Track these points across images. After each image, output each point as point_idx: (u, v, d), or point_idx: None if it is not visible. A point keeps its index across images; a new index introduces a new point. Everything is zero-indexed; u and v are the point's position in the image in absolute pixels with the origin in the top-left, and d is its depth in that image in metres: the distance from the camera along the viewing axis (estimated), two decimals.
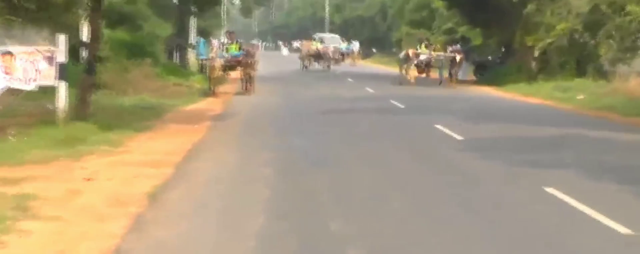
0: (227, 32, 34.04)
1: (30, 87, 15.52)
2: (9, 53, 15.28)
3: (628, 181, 10.57)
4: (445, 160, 13.13)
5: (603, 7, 30.37)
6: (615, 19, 29.57)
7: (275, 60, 60.39)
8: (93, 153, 12.96)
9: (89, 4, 17.74)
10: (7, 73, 15.19)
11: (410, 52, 35.19)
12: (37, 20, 20.00)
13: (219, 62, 27.35)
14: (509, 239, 7.72)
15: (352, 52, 62.02)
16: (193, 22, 42.45)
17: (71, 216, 8.58)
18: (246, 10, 69.64)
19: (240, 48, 28.79)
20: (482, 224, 8.35)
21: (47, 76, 15.49)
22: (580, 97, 26.43)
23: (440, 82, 33.90)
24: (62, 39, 15.50)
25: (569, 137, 15.84)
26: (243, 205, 9.34)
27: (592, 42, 31.42)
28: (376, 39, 74.26)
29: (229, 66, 28.40)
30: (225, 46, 28.95)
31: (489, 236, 7.82)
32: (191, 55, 37.52)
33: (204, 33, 45.10)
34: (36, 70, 15.42)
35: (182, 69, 35.06)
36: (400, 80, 34.07)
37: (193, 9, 38.64)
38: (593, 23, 30.94)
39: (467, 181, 10.95)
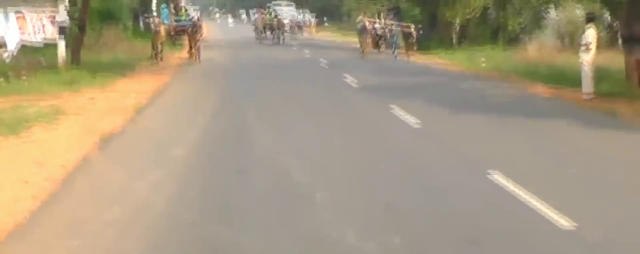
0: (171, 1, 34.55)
1: (38, 40, 21.06)
2: (21, 15, 20.78)
3: (444, 105, 16.46)
4: (339, 96, 18.94)
5: None
6: None
7: (225, 29, 65.23)
8: (90, 88, 18.54)
9: None
10: (21, 30, 20.71)
11: (367, 22, 35.90)
12: None
13: (163, 29, 28.45)
14: (353, 128, 13.56)
15: (310, 23, 64.09)
16: None
17: (88, 114, 14.28)
18: None
19: (187, 16, 30.91)
20: (341, 120, 14.20)
21: (50, 33, 21.02)
22: (483, 62, 32.01)
23: (395, 56, 33.88)
24: (62, 5, 21.06)
25: (438, 85, 21.65)
26: (195, 112, 15.07)
27: (502, 15, 37.26)
28: (328, 10, 79.39)
29: (173, 33, 30.58)
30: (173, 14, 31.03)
31: (342, 125, 13.65)
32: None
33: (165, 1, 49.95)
34: (42, 28, 20.94)
35: (146, 33, 40.02)
36: (362, 52, 34.63)
37: None
38: (502, 0, 36.90)
39: (346, 104, 16.80)
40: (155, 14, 31.71)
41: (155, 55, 27.23)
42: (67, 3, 21.04)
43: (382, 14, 38.46)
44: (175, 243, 6.72)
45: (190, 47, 29.11)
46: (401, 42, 35.69)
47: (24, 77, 19.19)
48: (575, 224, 7.36)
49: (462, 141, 12.32)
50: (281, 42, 46.24)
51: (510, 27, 37.11)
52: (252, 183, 9.02)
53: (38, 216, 7.54)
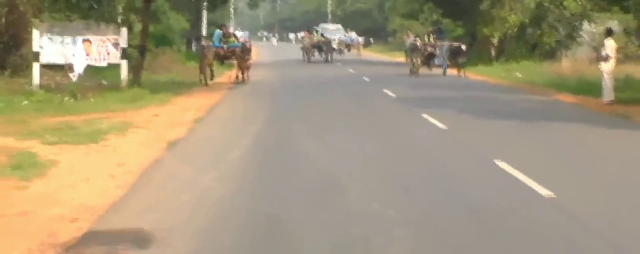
0: (221, 25, 34.62)
1: (103, 64, 23.28)
2: (88, 40, 22.98)
3: (473, 113, 18.30)
4: (378, 106, 20.86)
5: (546, 3, 38.02)
6: (555, 12, 37.27)
7: (270, 49, 67.87)
8: (151, 105, 20.57)
9: (143, 8, 25.59)
10: (87, 54, 22.91)
11: (419, 42, 35.72)
12: (88, 17, 27.83)
13: (211, 52, 28.68)
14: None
15: (357, 43, 64.16)
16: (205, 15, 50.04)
17: (154, 126, 16.30)
18: (253, 4, 76.56)
19: (235, 40, 31.06)
20: (377, 126, 16.09)
21: (114, 56, 23.20)
22: (518, 75, 33.78)
23: (444, 73, 34.27)
24: (124, 31, 23.27)
25: (472, 96, 23.46)
26: (247, 123, 17.04)
27: (538, 31, 39.00)
28: (373, 30, 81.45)
29: (223, 56, 30.16)
30: (220, 38, 30.65)
31: (379, 130, 15.56)
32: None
33: (215, 25, 52.51)
34: (107, 52, 23.13)
35: (198, 56, 42.39)
36: (411, 70, 34.73)
37: (205, 3, 46.03)
38: (538, 16, 38.66)
39: (381, 111, 18.73)
40: (204, 40, 32.55)
41: (205, 78, 27.88)
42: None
43: (431, 34, 38.40)
44: (235, 217, 8.64)
45: (240, 69, 29.93)
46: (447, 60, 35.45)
47: (91, 97, 21.25)
48: (553, 194, 9.23)
49: (477, 138, 14.21)
50: (329, 60, 47.59)
51: (545, 42, 38.81)
52: (296, 177, 10.91)
53: (125, 199, 9.51)
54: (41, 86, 21.98)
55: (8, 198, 9.49)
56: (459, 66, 34.16)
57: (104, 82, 24.19)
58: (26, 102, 19.99)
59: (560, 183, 10.06)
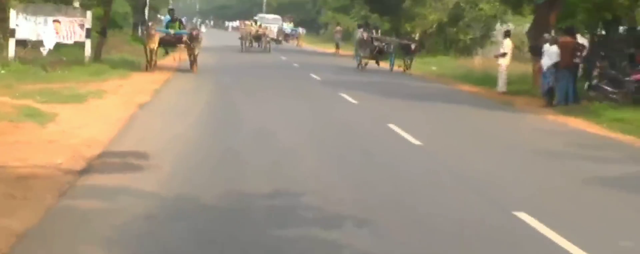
0: (169, 10, 35.10)
1: (70, 41, 27.07)
2: (58, 20, 26.76)
3: (383, 94, 22.58)
4: (305, 86, 25.05)
5: (462, 4, 42.54)
6: (471, 13, 41.83)
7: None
8: (113, 78, 24.37)
9: None
10: (57, 33, 26.69)
11: (365, 35, 35.95)
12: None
13: (156, 37, 28.05)
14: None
15: (299, 34, 65.75)
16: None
17: (122, 93, 20.23)
18: None
19: (180, 27, 30.20)
20: (300, 106, 20.26)
21: (79, 36, 27.00)
22: (433, 68, 38.14)
23: (391, 70, 34.73)
24: (89, 14, 27.11)
25: (386, 83, 27.74)
26: (198, 93, 21.07)
27: (454, 29, 43.55)
28: (306, 21, 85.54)
29: (170, 42, 29.49)
30: (167, 24, 30.56)
31: (302, 112, 19.74)
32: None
33: (155, 10, 56.25)
34: (73, 31, 26.94)
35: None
36: (359, 64, 35.41)
37: None
38: (455, 16, 43.19)
39: (307, 90, 22.91)
40: (150, 23, 32.51)
41: (149, 63, 28.00)
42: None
43: (376, 29, 39.01)
44: (202, 147, 12.76)
45: (189, 58, 29.18)
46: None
47: (58, 69, 24.93)
48: (422, 144, 13.56)
49: (379, 110, 18.54)
50: (267, 50, 48.31)
51: (461, 39, 43.40)
52: (242, 127, 15.12)
53: (120, 136, 13.51)
54: (16, 58, 25.59)
55: (35, 133, 13.42)
56: (406, 64, 34.78)
57: (64, 58, 27.77)
58: (3, 71, 23.56)
59: (430, 138, 14.44)
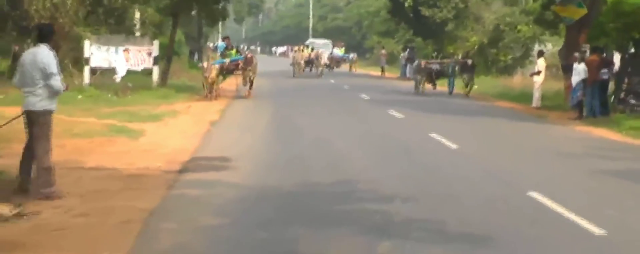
0: (224, 37, 35.22)
1: (139, 69, 29.89)
2: (127, 49, 29.60)
3: (427, 111, 25.05)
4: (354, 105, 27.61)
5: (502, 26, 44.95)
6: (511, 35, 44.22)
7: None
8: (179, 101, 27.05)
9: (163, 23, 32.25)
10: (127, 61, 29.53)
11: (423, 62, 36.02)
12: (112, 29, 34.25)
13: (214, 70, 28.49)
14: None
15: (351, 59, 64.03)
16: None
17: (193, 113, 22.89)
18: (240, 19, 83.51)
19: (237, 53, 30.95)
20: (359, 122, 22.79)
21: (148, 63, 29.82)
22: (475, 86, 40.42)
23: (450, 92, 34.67)
24: (156, 43, 29.91)
25: (430, 100, 30.21)
26: (260, 111, 23.68)
27: (494, 51, 45.93)
28: (352, 46, 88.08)
29: (227, 70, 29.99)
30: (223, 52, 31.37)
31: (354, 125, 22.28)
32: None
33: (204, 37, 59.30)
34: (142, 59, 29.76)
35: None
36: (419, 90, 34.96)
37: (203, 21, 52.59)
38: (495, 37, 45.60)
39: (356, 108, 25.47)
40: (204, 63, 30.64)
41: (209, 93, 28.31)
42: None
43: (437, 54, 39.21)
44: (272, 152, 15.31)
45: (244, 82, 30.08)
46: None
47: (128, 94, 27.70)
48: (459, 147, 16.07)
49: (422, 123, 21.04)
50: (321, 75, 48.32)
51: (502, 60, 45.78)
52: (302, 138, 17.73)
53: (202, 146, 16.11)
54: (91, 85, 28.40)
55: (130, 145, 16.09)
56: (467, 83, 34.64)
57: (130, 84, 30.54)
58: (80, 96, 26.33)
59: (465, 143, 16.94)
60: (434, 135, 18.04)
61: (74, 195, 10.78)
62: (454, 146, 16.49)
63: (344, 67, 63.23)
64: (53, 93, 10.59)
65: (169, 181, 12.07)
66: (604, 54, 26.45)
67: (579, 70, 24.96)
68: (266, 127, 20.14)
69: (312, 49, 52.36)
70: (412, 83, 38.68)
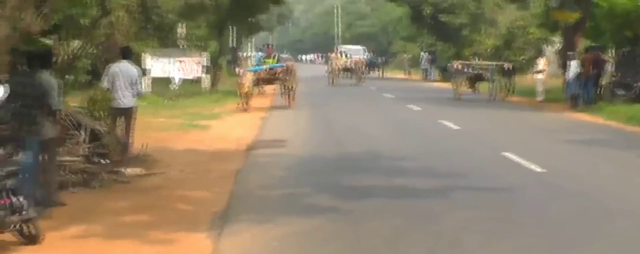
0: (265, 44, 35.55)
1: (191, 77, 34.81)
2: (181, 61, 34.53)
3: (438, 104, 29.76)
4: (380, 102, 32.36)
5: (514, 29, 49.51)
6: (523, 37, 48.76)
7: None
8: (230, 103, 31.66)
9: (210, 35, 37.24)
10: (181, 70, 34.46)
11: (458, 63, 35.81)
12: (164, 45, 38.99)
13: (248, 78, 28.45)
14: (391, 121, 26.96)
15: (381, 64, 66.01)
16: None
17: (246, 112, 27.67)
18: (270, 27, 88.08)
19: (277, 62, 30.65)
20: (383, 114, 27.55)
21: (199, 72, 34.74)
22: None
23: (493, 98, 33.61)
24: (206, 54, 34.87)
25: (446, 97, 34.87)
26: (300, 108, 28.41)
27: (508, 52, 50.43)
28: (378, 51, 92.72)
29: (265, 80, 29.97)
30: (263, 60, 31.23)
31: (379, 116, 27.06)
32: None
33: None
34: (194, 69, 34.69)
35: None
36: (455, 94, 34.14)
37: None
38: (509, 40, 50.17)
39: (381, 104, 30.23)
40: (240, 69, 31.96)
41: (246, 103, 28.37)
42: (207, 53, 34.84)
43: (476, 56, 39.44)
44: (316, 135, 20.08)
45: (285, 93, 29.74)
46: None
47: (181, 100, 32.51)
48: (461, 128, 20.83)
49: (435, 113, 25.74)
50: (361, 83, 46.96)
51: (516, 60, 50.27)
52: (338, 125, 22.49)
53: (260, 134, 20.84)
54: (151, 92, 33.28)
55: (203, 135, 20.85)
56: (508, 87, 34.52)
57: (180, 91, 35.32)
58: (143, 102, 31.09)
59: (467, 125, 21.73)
60: (442, 121, 22.79)
61: (177, 164, 15.46)
62: (456, 127, 21.32)
63: (375, 73, 64.91)
64: (137, 95, 15.50)
65: (243, 154, 16.87)
66: (601, 53, 30.93)
67: (573, 66, 29.53)
68: (307, 119, 24.91)
69: (348, 56, 51.45)
70: (433, 85, 43.47)
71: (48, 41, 17.82)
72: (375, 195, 11.92)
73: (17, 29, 14.24)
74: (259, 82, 29.66)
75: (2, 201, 8.71)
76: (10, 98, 11.15)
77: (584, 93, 29.23)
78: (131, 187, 13.06)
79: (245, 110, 27.99)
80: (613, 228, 9.67)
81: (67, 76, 21.05)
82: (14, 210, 8.80)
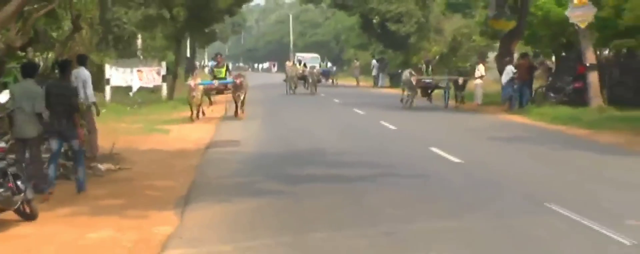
0: (216, 54, 34.31)
1: (150, 85, 36.90)
2: (140, 70, 36.60)
3: (381, 108, 32.10)
4: (328, 106, 34.64)
5: (458, 37, 52.07)
6: (467, 44, 51.31)
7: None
8: (187, 111, 33.71)
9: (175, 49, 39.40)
10: (140, 79, 36.53)
11: (414, 79, 34.61)
12: (124, 56, 41.05)
13: (199, 90, 28.63)
14: (337, 123, 29.25)
15: (333, 72, 66.74)
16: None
17: (201, 120, 29.79)
18: (224, 37, 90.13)
19: (227, 71, 30.84)
20: (330, 117, 29.83)
21: (157, 81, 36.83)
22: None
23: (446, 106, 34.31)
24: (164, 64, 37.01)
25: (392, 102, 37.21)
26: (254, 113, 30.59)
27: (454, 59, 53.00)
28: (330, 59, 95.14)
29: (216, 89, 30.46)
30: (213, 69, 31.77)
31: (326, 119, 29.34)
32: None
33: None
34: (152, 78, 36.78)
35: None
36: (405, 104, 33.91)
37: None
38: (454, 47, 52.72)
39: (329, 108, 32.53)
40: (191, 81, 29.92)
41: (195, 115, 28.80)
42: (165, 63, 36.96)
43: (428, 63, 39.51)
44: (270, 138, 22.27)
45: (236, 106, 29.53)
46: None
47: (143, 107, 34.56)
48: (397, 128, 23.19)
49: (377, 116, 28.01)
50: (314, 92, 46.84)
51: (461, 66, 52.84)
52: (287, 129, 24.71)
53: (216, 136, 23.00)
54: (111, 101, 35.29)
55: (164, 138, 22.95)
56: (459, 98, 35.67)
57: (139, 100, 37.42)
58: (104, 109, 33.05)
59: (404, 126, 24.10)
60: (383, 122, 25.17)
61: (143, 161, 17.61)
62: (394, 127, 23.73)
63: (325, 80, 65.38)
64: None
65: (202, 152, 19.07)
66: (529, 59, 33.44)
67: (508, 71, 32.00)
68: (261, 122, 27.11)
69: (304, 64, 52.23)
70: (381, 91, 45.85)
71: (22, 54, 19.72)
72: (315, 180, 14.21)
73: (2, 43, 16.44)
74: (211, 91, 30.50)
75: (9, 185, 10.82)
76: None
77: (519, 96, 31.64)
78: (105, 179, 15.19)
79: (196, 119, 28.60)
80: (504, 202, 12.06)
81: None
82: (16, 191, 10.92)
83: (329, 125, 25.70)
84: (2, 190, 10.67)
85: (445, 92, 35.32)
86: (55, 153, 13.67)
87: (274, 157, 17.85)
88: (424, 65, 39.04)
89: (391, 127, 24.16)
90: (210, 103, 32.36)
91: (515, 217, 10.81)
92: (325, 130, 24.11)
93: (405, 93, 34.64)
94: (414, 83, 34.33)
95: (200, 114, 29.11)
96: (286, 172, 15.36)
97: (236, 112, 29.37)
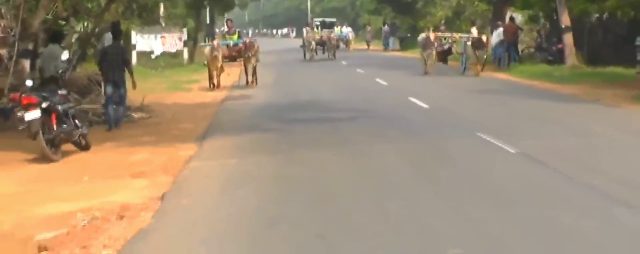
0: (227, 20, 34.22)
1: (173, 50, 40.55)
2: (164, 36, 40.24)
3: (381, 68, 35.60)
4: (335, 67, 38.17)
5: (462, 2, 55.29)
6: (471, 9, 54.53)
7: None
8: (205, 73, 37.41)
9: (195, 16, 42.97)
10: (163, 45, 40.17)
11: (432, 35, 33.54)
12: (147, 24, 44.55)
13: (221, 53, 28.43)
14: (338, 81, 32.81)
15: (349, 37, 64.34)
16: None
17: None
18: (243, 4, 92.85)
19: (239, 37, 30.96)
20: (333, 76, 33.39)
21: (179, 46, 40.47)
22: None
23: (464, 70, 33.03)
24: (185, 30, 40.62)
25: (387, 62, 40.63)
26: (268, 72, 34.17)
27: (458, 22, 56.25)
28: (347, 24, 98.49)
29: (228, 57, 30.08)
30: (224, 35, 31.92)
31: (329, 78, 32.90)
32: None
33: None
34: (175, 43, 40.42)
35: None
36: (425, 69, 32.64)
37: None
38: (458, 12, 55.97)
39: (336, 69, 36.08)
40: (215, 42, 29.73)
41: (213, 82, 28.56)
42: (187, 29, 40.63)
43: (440, 27, 40.29)
44: (279, 95, 25.86)
45: (247, 74, 29.24)
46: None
47: (165, 70, 38.16)
48: (387, 84, 26.77)
49: (374, 74, 31.52)
50: (333, 57, 47.04)
51: (465, 30, 56.11)
52: (295, 84, 28.29)
53: (230, 92, 26.65)
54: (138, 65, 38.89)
55: (186, 95, 26.60)
56: (480, 61, 32.58)
57: (162, 64, 40.99)
58: None
59: (394, 82, 27.66)
60: (378, 80, 28.78)
61: (169, 111, 21.30)
62: (385, 83, 27.38)
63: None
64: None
65: (219, 104, 22.73)
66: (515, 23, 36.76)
67: (498, 34, 35.38)
68: (274, 80, 30.76)
69: (322, 29, 52.22)
70: (390, 54, 49.42)
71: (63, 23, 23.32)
72: (307, 121, 17.88)
73: (51, 15, 20.18)
74: (222, 58, 28.92)
75: (70, 122, 14.51)
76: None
77: (505, 56, 34.98)
78: (138, 124, 18.94)
79: (215, 89, 28.36)
80: (444, 132, 15.66)
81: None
82: (75, 127, 14.63)
83: (330, 82, 29.24)
84: (66, 126, 14.34)
85: (462, 56, 33.50)
86: (110, 96, 17.77)
87: (278, 107, 21.47)
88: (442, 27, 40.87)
89: (383, 82, 27.78)
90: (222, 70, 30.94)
91: (446, 141, 14.40)
92: (328, 87, 27.60)
93: (424, 55, 32.90)
94: (432, 39, 32.85)
95: (218, 85, 28.35)
96: (285, 116, 19.03)
97: (247, 80, 29.05)
